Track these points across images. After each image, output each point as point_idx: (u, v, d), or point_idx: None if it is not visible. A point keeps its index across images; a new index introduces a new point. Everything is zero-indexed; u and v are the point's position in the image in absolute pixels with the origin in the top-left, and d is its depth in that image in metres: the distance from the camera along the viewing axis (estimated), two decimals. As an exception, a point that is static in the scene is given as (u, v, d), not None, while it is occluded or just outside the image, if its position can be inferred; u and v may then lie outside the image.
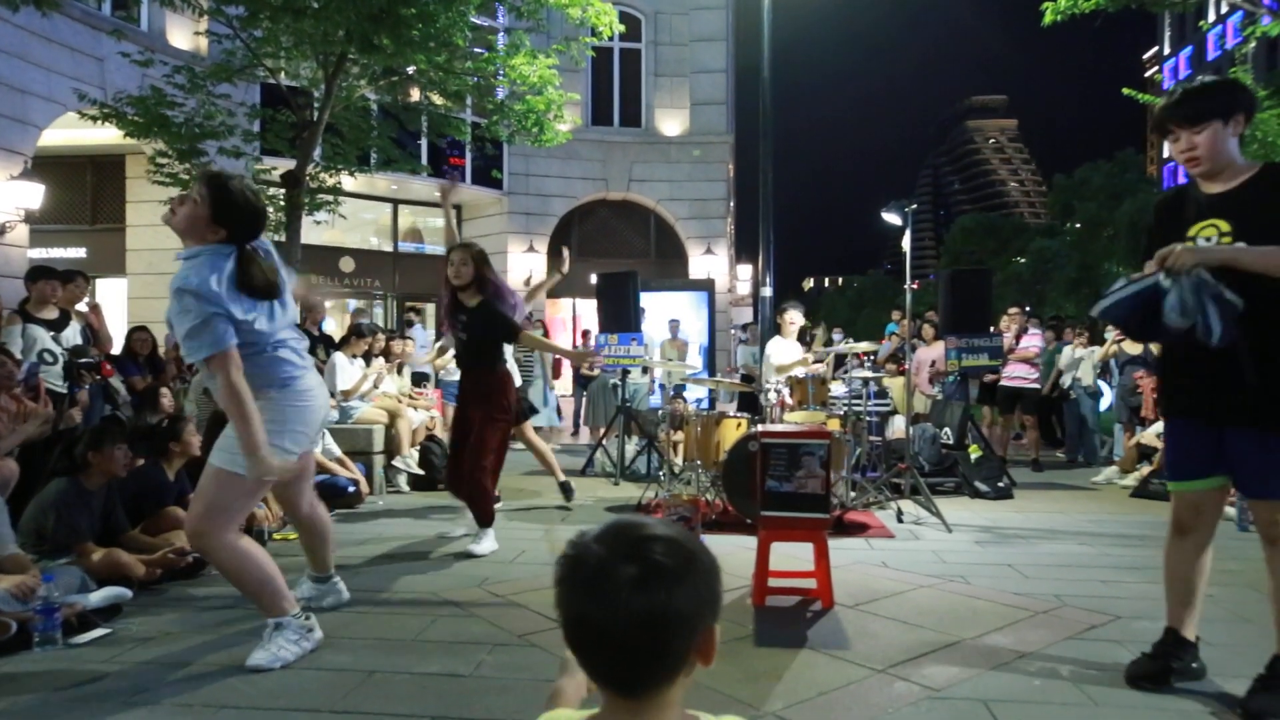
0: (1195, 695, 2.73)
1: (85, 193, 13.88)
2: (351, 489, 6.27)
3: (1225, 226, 2.62)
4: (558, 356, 7.46)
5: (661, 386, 9.46)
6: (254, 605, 3.06)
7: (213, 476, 2.97)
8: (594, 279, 9.55)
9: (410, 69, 8.93)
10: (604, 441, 8.46)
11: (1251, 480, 2.64)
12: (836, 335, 14.92)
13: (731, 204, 22.31)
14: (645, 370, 9.02)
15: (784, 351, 7.04)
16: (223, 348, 2.84)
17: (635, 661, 0.94)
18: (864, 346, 7.61)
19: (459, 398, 4.98)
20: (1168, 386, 2.90)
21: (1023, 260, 39.82)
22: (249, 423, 2.84)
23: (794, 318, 7.18)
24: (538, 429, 8.24)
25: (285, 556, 4.58)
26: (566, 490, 6.34)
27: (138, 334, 7.13)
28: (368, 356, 7.65)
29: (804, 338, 8.31)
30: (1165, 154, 50.12)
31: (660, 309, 11.22)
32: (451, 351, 5.70)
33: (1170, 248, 2.53)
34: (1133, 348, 8.80)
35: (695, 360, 11.36)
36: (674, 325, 10.72)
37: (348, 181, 10.46)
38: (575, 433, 11.86)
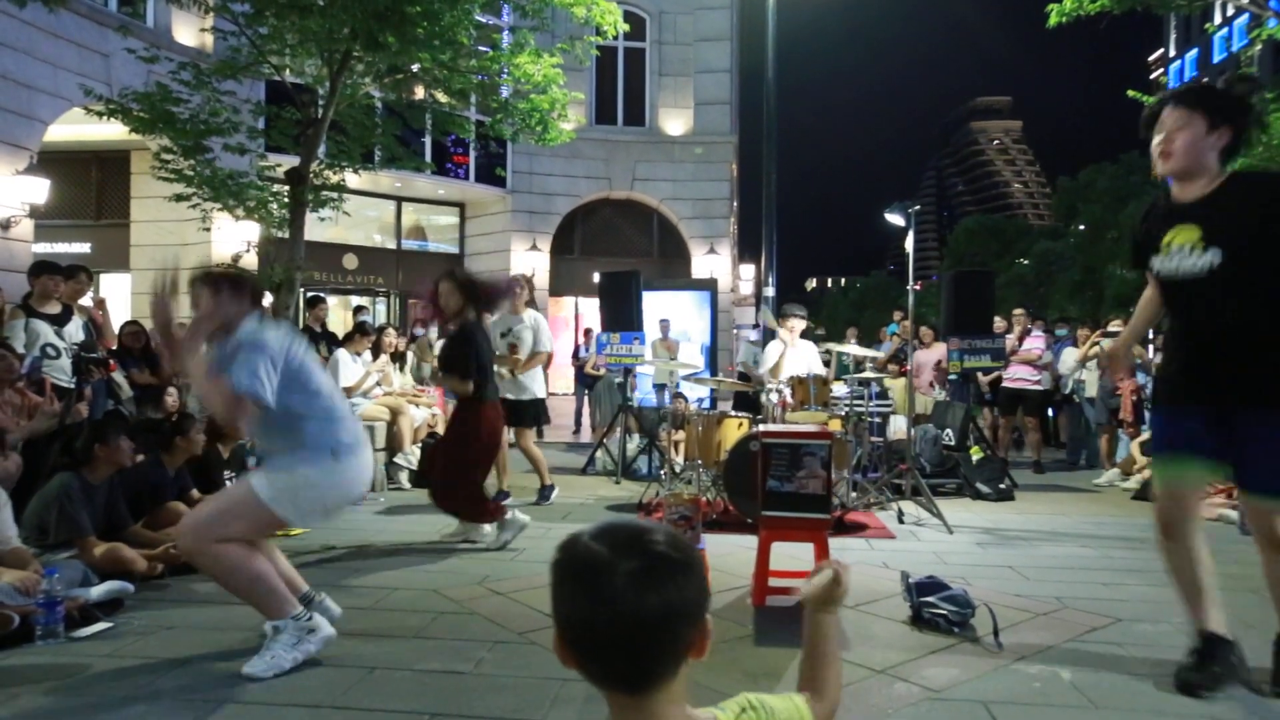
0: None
1: (90, 188, 13.92)
2: (353, 486, 6.27)
3: (1195, 233, 2.64)
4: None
5: (659, 387, 9.42)
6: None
7: (244, 497, 2.95)
8: (596, 278, 9.53)
9: (415, 67, 8.93)
10: (605, 440, 8.46)
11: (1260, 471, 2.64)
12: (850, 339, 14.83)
13: (735, 204, 22.30)
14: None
15: (771, 353, 6.96)
16: None
17: (648, 656, 0.94)
18: (859, 351, 7.52)
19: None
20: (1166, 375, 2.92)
21: (1026, 262, 39.74)
22: None
23: (795, 325, 7.01)
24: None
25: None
26: (544, 493, 6.41)
27: (129, 328, 7.12)
28: (374, 352, 7.67)
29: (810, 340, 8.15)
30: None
31: (657, 309, 11.14)
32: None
33: None
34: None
35: (694, 359, 11.30)
36: (664, 325, 10.60)
37: (352, 179, 10.45)
38: (577, 431, 11.87)
